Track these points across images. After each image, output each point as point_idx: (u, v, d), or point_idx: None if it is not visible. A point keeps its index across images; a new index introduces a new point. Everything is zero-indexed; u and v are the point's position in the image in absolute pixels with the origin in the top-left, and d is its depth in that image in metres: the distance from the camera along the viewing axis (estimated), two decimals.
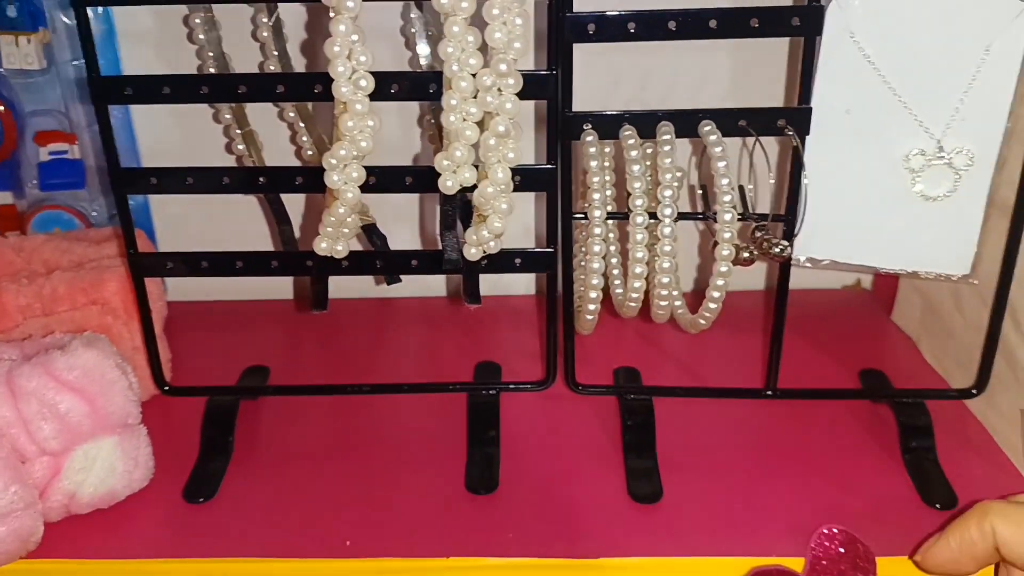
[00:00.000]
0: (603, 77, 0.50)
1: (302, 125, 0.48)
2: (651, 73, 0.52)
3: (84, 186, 0.57)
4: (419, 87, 0.38)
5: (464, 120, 0.33)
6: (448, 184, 0.35)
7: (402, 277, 0.44)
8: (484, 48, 0.33)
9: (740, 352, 0.50)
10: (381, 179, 0.39)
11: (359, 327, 0.56)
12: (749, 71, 0.52)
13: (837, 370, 0.49)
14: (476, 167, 0.35)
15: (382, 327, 0.56)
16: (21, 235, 0.56)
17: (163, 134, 0.56)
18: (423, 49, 0.46)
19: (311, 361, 0.54)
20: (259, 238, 0.59)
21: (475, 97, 0.33)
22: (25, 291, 0.49)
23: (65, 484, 0.41)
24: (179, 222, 0.58)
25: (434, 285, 0.60)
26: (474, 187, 0.36)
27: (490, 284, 0.51)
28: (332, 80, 0.34)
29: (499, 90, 0.33)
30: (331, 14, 0.33)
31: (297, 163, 0.52)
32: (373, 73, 0.34)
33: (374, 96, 0.35)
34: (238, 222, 0.58)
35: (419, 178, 0.40)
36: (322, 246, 0.38)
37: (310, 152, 0.49)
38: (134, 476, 0.43)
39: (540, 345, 0.53)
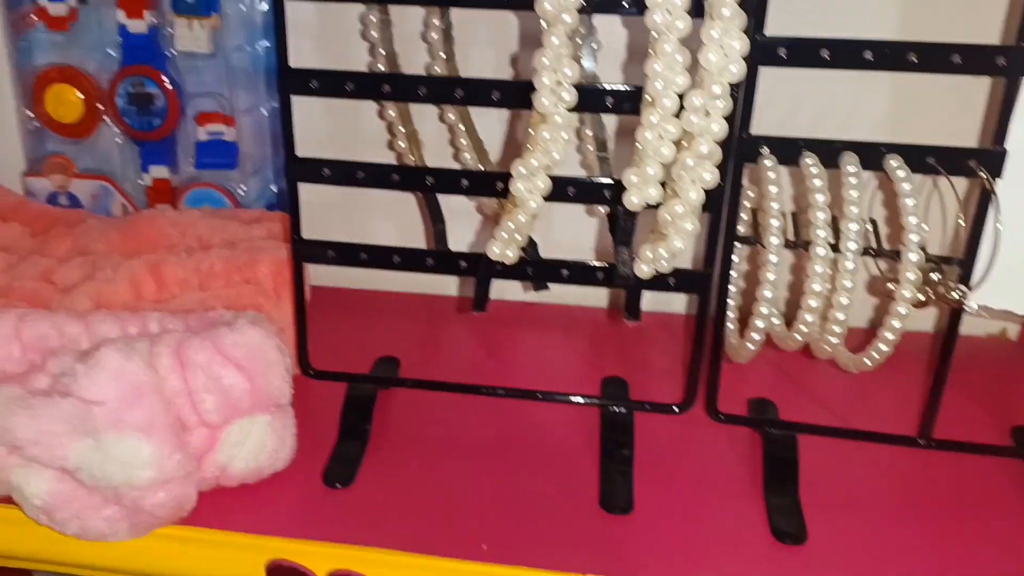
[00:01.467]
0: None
1: (462, 128, 0.49)
2: (808, 98, 0.51)
3: (236, 167, 0.58)
4: (600, 102, 0.38)
5: (661, 138, 0.33)
6: (634, 200, 0.35)
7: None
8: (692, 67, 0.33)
9: (888, 393, 0.49)
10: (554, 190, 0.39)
11: (491, 328, 0.56)
12: (909, 104, 0.51)
13: (987, 423, 0.47)
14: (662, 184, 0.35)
15: (517, 330, 0.56)
16: (177, 209, 0.58)
17: (315, 124, 0.57)
18: (588, 63, 0.46)
19: (443, 358, 0.54)
20: (394, 235, 0.60)
21: (676, 116, 0.33)
22: (185, 264, 0.50)
23: (219, 457, 0.42)
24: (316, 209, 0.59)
25: (570, 293, 0.59)
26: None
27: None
28: (517, 88, 0.34)
29: (707, 112, 0.32)
30: (544, 25, 0.33)
31: (452, 163, 0.53)
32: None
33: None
34: (379, 217, 0.59)
35: (588, 190, 0.40)
36: (495, 251, 0.38)
37: (468, 155, 0.49)
38: (280, 455, 0.43)
39: (674, 365, 0.52)
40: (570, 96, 0.34)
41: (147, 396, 0.39)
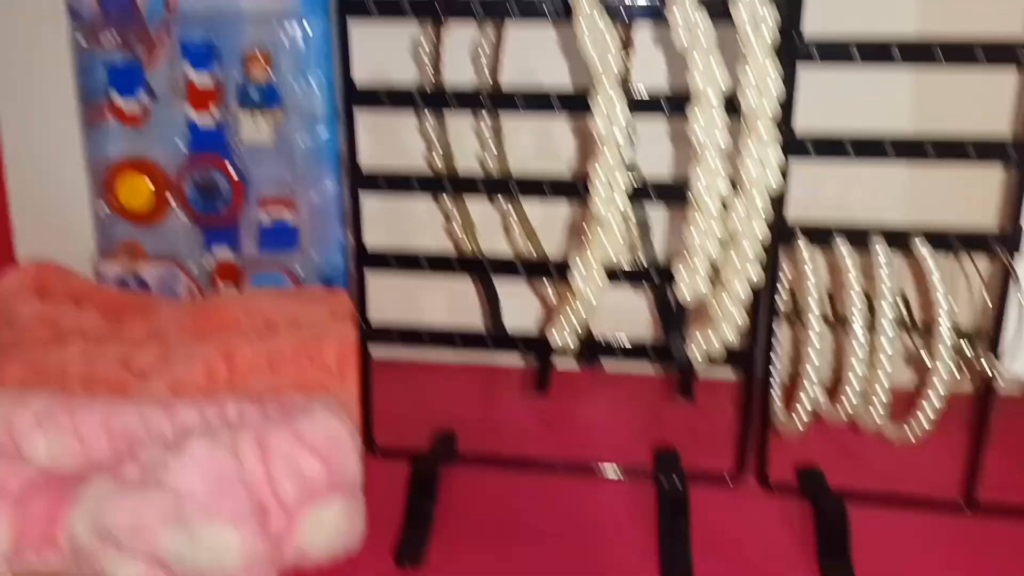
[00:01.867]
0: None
1: (514, 215, 0.52)
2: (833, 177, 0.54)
3: (297, 248, 0.62)
4: (646, 192, 0.41)
5: (707, 237, 0.36)
6: (684, 293, 0.38)
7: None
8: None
9: (931, 458, 0.50)
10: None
11: (545, 398, 0.58)
12: (929, 184, 0.54)
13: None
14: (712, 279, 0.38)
15: (569, 399, 0.58)
16: (241, 291, 0.62)
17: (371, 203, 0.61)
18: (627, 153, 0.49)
19: (497, 432, 0.56)
20: (443, 307, 0.62)
21: (720, 218, 0.36)
22: (255, 348, 0.53)
23: (298, 541, 0.43)
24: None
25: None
26: None
27: None
28: (568, 186, 0.37)
29: (749, 217, 0.35)
30: (598, 141, 0.36)
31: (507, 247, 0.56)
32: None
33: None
34: (428, 290, 0.62)
35: (638, 275, 0.43)
36: (555, 338, 0.41)
37: (519, 237, 0.52)
38: (353, 536, 0.45)
39: (722, 433, 0.54)
40: (623, 201, 0.37)
41: (233, 485, 0.41)
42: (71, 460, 0.46)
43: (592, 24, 0.35)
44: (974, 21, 0.48)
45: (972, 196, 0.53)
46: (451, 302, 0.62)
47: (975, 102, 0.50)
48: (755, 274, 0.37)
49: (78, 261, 0.64)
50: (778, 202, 0.40)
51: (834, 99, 0.46)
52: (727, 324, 0.38)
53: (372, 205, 0.60)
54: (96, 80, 0.60)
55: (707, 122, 0.35)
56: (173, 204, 0.62)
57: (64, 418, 0.46)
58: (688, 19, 0.35)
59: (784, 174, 0.37)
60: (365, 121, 0.58)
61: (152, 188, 0.62)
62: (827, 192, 0.52)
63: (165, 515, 0.40)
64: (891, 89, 0.52)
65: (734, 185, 0.36)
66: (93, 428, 0.46)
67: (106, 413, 0.46)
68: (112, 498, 0.40)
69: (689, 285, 0.37)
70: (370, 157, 0.58)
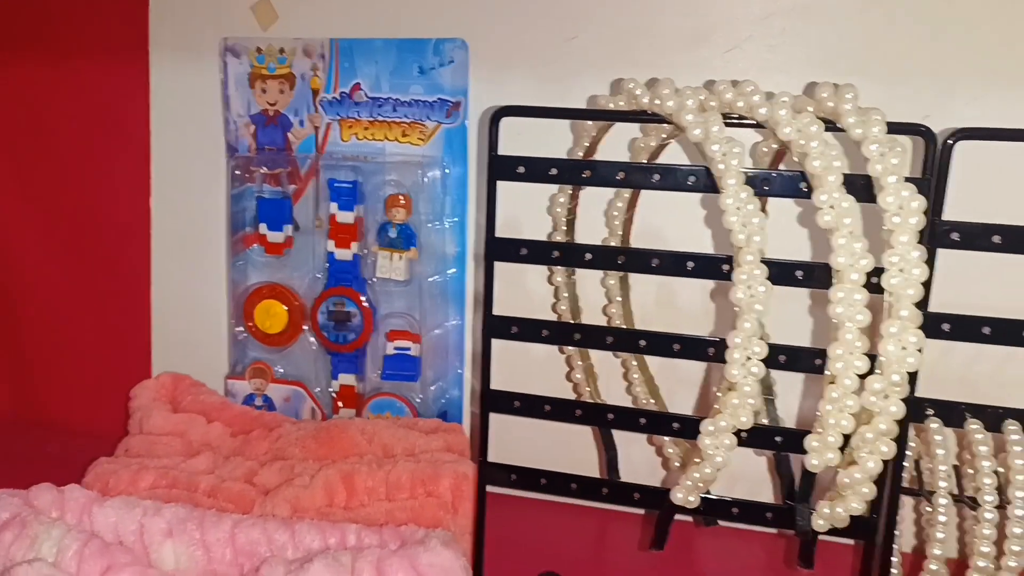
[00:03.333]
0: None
1: (634, 364, 0.54)
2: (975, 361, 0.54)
3: (418, 379, 0.65)
4: (774, 359, 0.43)
5: (840, 411, 0.37)
6: (814, 463, 0.39)
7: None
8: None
9: None
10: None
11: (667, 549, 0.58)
12: None
13: None
14: (841, 449, 0.39)
15: (680, 551, 0.58)
16: (363, 418, 0.64)
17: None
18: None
19: (607, 574, 0.56)
20: (560, 450, 0.64)
21: (856, 392, 0.37)
22: (374, 475, 0.55)
23: None
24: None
25: None
26: None
27: None
28: (698, 343, 0.39)
29: (886, 395, 0.37)
30: (737, 311, 0.38)
31: (626, 396, 0.57)
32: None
33: None
34: (546, 431, 0.64)
35: (755, 437, 0.44)
36: (678, 496, 0.42)
37: (639, 389, 0.54)
38: None
39: None
40: (758, 370, 0.38)
41: None
42: (197, 571, 0.48)
43: (739, 202, 0.38)
44: None
45: None
46: (568, 443, 0.63)
47: None
48: (888, 451, 0.38)
49: (210, 379, 0.68)
50: (912, 379, 0.41)
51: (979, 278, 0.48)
52: (855, 498, 0.38)
53: (494, 344, 0.63)
54: (246, 211, 0.66)
55: (848, 301, 0.37)
56: (305, 330, 0.66)
57: (194, 530, 0.49)
58: (833, 202, 0.37)
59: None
60: (500, 267, 0.62)
61: (287, 312, 0.66)
62: (951, 364, 0.53)
63: None
64: None
65: (872, 360, 0.38)
66: (220, 541, 0.48)
67: (233, 528, 0.49)
68: None
69: (820, 456, 0.38)
70: (498, 300, 0.62)
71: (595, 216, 0.56)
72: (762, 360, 0.40)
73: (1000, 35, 0.51)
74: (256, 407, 0.68)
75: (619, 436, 0.54)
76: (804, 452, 0.39)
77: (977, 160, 0.47)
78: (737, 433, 0.42)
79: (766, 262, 0.40)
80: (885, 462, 0.39)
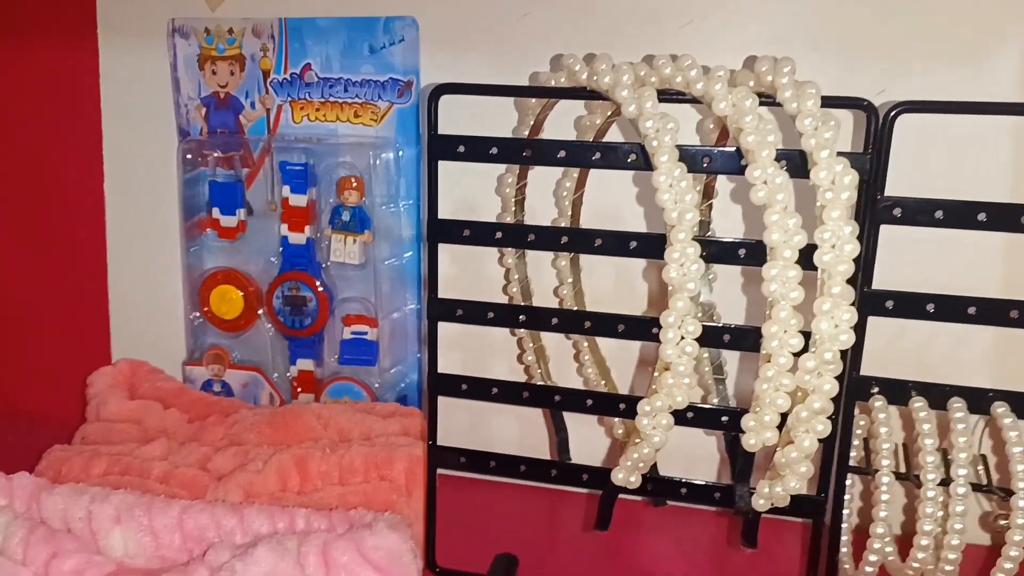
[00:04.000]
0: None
1: (585, 345, 0.53)
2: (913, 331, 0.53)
3: (376, 363, 0.64)
4: (718, 338, 0.42)
5: (776, 390, 0.37)
6: (751, 443, 0.38)
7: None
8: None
9: None
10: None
11: (615, 528, 0.58)
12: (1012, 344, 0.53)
13: None
14: (778, 427, 0.38)
15: (632, 530, 0.58)
16: (318, 402, 0.64)
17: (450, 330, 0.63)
18: (705, 295, 0.50)
19: (559, 558, 0.56)
20: (512, 432, 0.63)
21: (790, 371, 0.37)
22: (327, 459, 0.55)
23: None
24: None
25: None
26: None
27: None
28: (640, 323, 0.38)
29: (819, 373, 0.36)
30: (670, 290, 0.38)
31: (577, 377, 0.57)
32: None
33: None
34: (498, 413, 0.63)
35: (703, 417, 0.44)
36: (619, 477, 0.42)
37: (590, 371, 0.53)
38: None
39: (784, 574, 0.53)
40: (692, 349, 0.38)
41: None
42: (145, 557, 0.48)
43: (672, 179, 0.37)
44: None
45: None
46: (522, 427, 0.63)
47: None
48: (823, 429, 0.37)
49: (168, 365, 0.67)
50: (855, 356, 0.41)
51: (925, 256, 0.47)
52: (793, 476, 0.38)
53: (451, 328, 0.62)
54: (200, 196, 0.64)
55: (781, 278, 0.36)
56: (261, 315, 0.65)
57: (142, 516, 0.48)
58: (766, 177, 0.36)
59: (860, 331, 0.38)
60: (450, 248, 0.61)
61: (243, 298, 0.65)
62: (904, 345, 0.52)
63: None
64: (983, 251, 0.52)
65: (806, 339, 0.37)
66: (168, 527, 0.48)
67: (181, 513, 0.48)
68: None
69: (758, 435, 0.38)
70: (452, 283, 0.61)
71: (549, 197, 0.55)
72: (701, 339, 0.39)
73: (956, 9, 0.50)
74: (214, 393, 0.67)
75: (572, 417, 0.54)
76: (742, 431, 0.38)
77: (922, 134, 0.47)
78: (681, 413, 0.42)
79: (701, 240, 0.39)
80: (823, 440, 0.38)
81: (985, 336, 0.53)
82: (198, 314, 0.66)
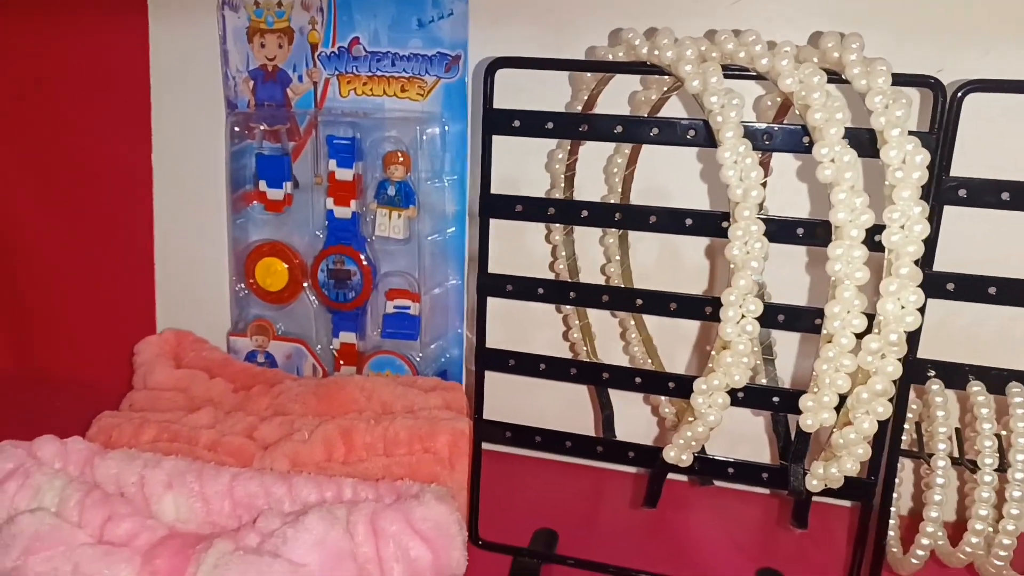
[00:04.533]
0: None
1: (632, 324, 0.53)
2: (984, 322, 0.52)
3: (417, 338, 0.64)
4: (772, 318, 0.42)
5: (836, 371, 0.36)
6: (808, 423, 0.37)
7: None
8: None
9: None
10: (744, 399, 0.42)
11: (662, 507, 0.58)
12: None
13: None
14: (836, 408, 0.38)
15: (676, 510, 0.57)
16: (363, 375, 0.64)
17: (497, 311, 0.62)
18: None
19: (600, 534, 0.56)
20: (559, 409, 0.63)
21: (852, 352, 0.36)
22: (372, 431, 0.55)
23: None
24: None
25: None
26: None
27: None
28: (696, 301, 0.38)
29: (883, 355, 0.35)
30: (732, 267, 0.37)
31: (623, 356, 0.56)
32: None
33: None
34: (544, 390, 0.63)
35: (752, 396, 0.43)
36: (671, 455, 0.41)
37: (636, 349, 0.53)
38: None
39: (829, 560, 0.53)
40: (753, 328, 0.37)
41: (345, 562, 0.43)
42: (196, 522, 0.48)
43: (737, 156, 0.36)
44: None
45: None
46: (567, 402, 0.63)
47: None
48: (883, 411, 0.36)
49: (213, 335, 0.68)
50: (914, 339, 0.40)
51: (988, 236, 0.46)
52: (850, 458, 0.37)
53: (494, 302, 0.62)
54: (246, 168, 0.64)
55: (846, 258, 0.35)
56: (305, 288, 0.65)
57: (193, 482, 0.48)
58: (834, 155, 0.35)
59: (920, 312, 0.37)
60: (498, 225, 0.61)
61: (287, 270, 0.65)
62: (959, 324, 0.51)
63: None
64: None
65: (871, 320, 0.36)
66: (219, 494, 0.48)
67: (232, 481, 0.48)
68: (232, 562, 0.42)
69: (815, 416, 0.37)
70: (497, 258, 0.60)
71: (596, 173, 0.55)
72: (758, 318, 0.39)
73: None
74: (258, 364, 0.67)
75: (617, 396, 0.54)
76: (799, 412, 0.38)
77: (989, 114, 0.46)
78: (732, 392, 0.41)
79: (764, 219, 0.38)
80: (882, 423, 0.38)
81: None
82: (243, 286, 0.66)
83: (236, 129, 0.64)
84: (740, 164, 0.36)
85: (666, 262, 0.57)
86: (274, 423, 0.57)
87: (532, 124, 0.44)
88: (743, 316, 0.37)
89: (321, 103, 0.63)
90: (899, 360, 0.36)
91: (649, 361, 0.53)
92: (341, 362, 0.66)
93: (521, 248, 0.59)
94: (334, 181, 0.62)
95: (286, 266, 0.65)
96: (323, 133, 0.62)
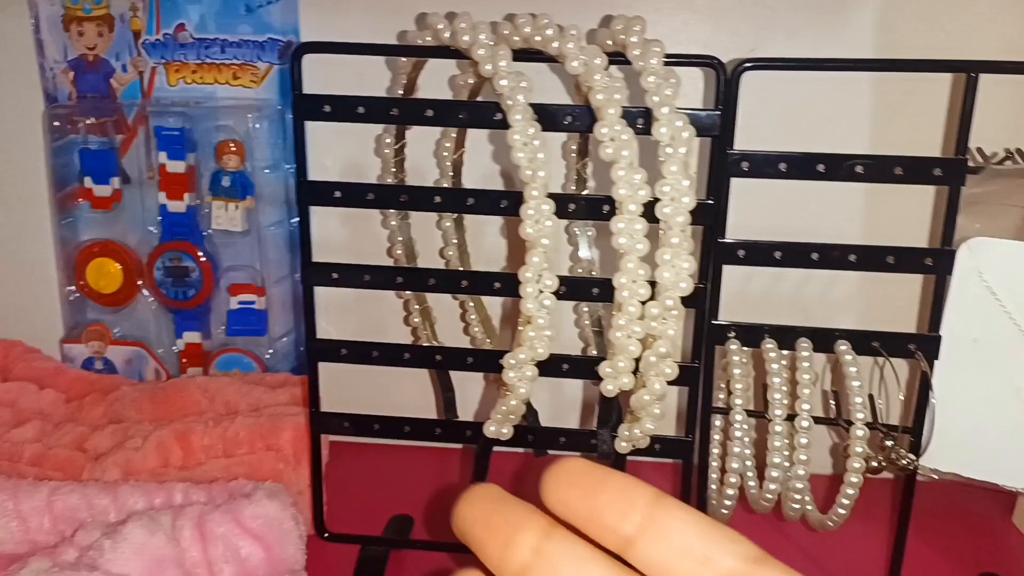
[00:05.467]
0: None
1: (472, 305, 0.59)
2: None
3: (265, 333, 0.69)
4: (586, 291, 0.49)
5: (629, 337, 0.43)
6: (609, 388, 0.45)
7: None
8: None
9: (860, 542, 0.57)
10: (545, 367, 0.49)
11: (503, 482, 0.63)
12: (881, 292, 0.61)
13: (956, 573, 0.55)
14: (634, 373, 0.45)
15: (525, 483, 0.64)
16: (206, 375, 0.69)
17: (337, 298, 0.68)
18: (584, 252, 0.57)
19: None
20: (411, 394, 0.69)
21: (640, 318, 0.43)
22: (210, 432, 0.59)
23: None
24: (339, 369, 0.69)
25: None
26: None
27: None
28: (516, 282, 0.45)
29: (664, 319, 0.43)
30: (527, 245, 0.44)
31: (464, 336, 0.63)
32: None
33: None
34: (396, 377, 0.69)
35: (577, 368, 0.50)
36: (491, 429, 0.48)
37: (476, 330, 0.59)
38: None
39: None
40: (551, 302, 0.44)
41: (168, 569, 0.46)
42: (13, 542, 0.50)
43: (526, 138, 0.43)
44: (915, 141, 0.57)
45: (898, 301, 0.61)
46: (421, 391, 0.69)
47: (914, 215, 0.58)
48: (671, 372, 0.44)
49: (45, 342, 0.71)
50: (713, 303, 0.48)
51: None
52: (649, 418, 0.45)
53: (346, 294, 0.68)
54: (70, 165, 0.68)
55: (628, 231, 0.42)
56: (142, 288, 0.69)
57: (6, 500, 0.51)
58: (613, 134, 0.42)
59: (716, 279, 0.45)
60: (344, 212, 0.67)
61: (121, 271, 0.69)
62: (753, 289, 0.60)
63: None
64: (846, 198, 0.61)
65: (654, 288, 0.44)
66: (36, 510, 0.51)
67: (50, 495, 0.51)
68: None
69: (614, 381, 0.44)
70: (346, 246, 0.66)
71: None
72: (571, 294, 0.46)
73: None
74: (96, 371, 0.71)
75: (461, 377, 0.60)
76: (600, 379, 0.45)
77: (772, 91, 0.54)
78: (552, 365, 0.48)
79: (561, 196, 0.45)
80: (678, 383, 0.45)
81: (850, 280, 0.61)
82: (74, 288, 0.70)
83: (56, 124, 0.68)
84: (529, 146, 0.43)
85: (516, 245, 0.64)
86: (107, 432, 0.61)
87: (343, 109, 0.49)
88: (541, 291, 0.44)
89: (149, 93, 0.68)
90: (705, 326, 0.44)
91: (488, 341, 0.59)
92: (187, 363, 0.70)
93: (371, 235, 0.65)
94: (165, 174, 0.66)
95: (120, 266, 0.69)
96: (153, 125, 0.67)
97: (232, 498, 0.52)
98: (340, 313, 0.68)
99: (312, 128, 0.65)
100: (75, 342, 0.71)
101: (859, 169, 0.45)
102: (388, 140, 0.57)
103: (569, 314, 0.64)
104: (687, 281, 0.43)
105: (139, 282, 0.70)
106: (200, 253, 0.68)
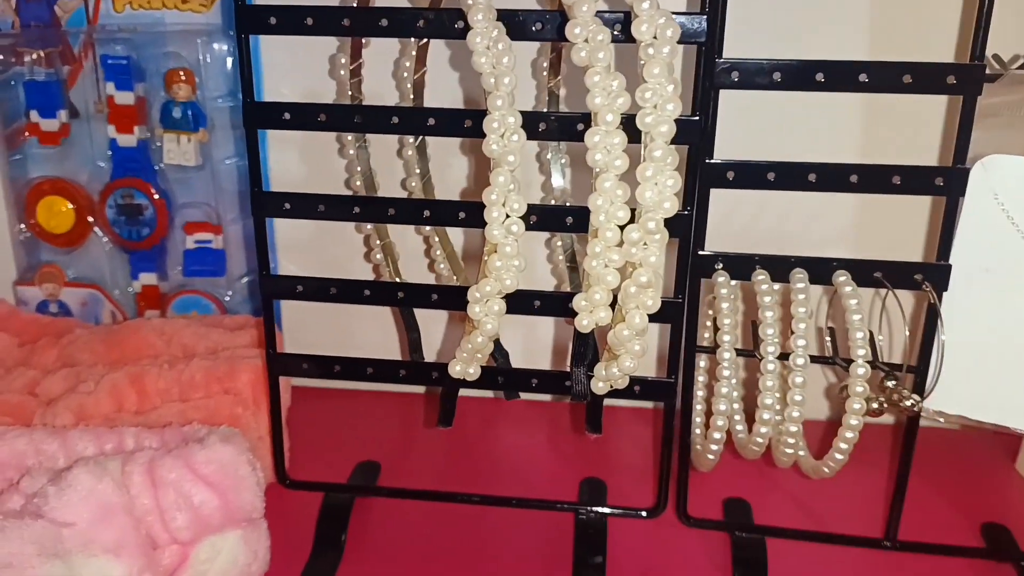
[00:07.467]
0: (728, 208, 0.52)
1: (437, 240, 0.52)
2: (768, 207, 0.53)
3: (223, 274, 0.61)
4: (559, 221, 0.41)
5: (606, 267, 0.36)
6: (584, 323, 0.37)
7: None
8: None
9: (857, 490, 0.50)
10: (514, 303, 0.41)
11: (472, 427, 0.57)
12: (883, 219, 0.53)
13: (957, 521, 0.49)
14: (612, 307, 0.37)
15: (495, 428, 0.58)
16: (163, 317, 0.61)
17: (296, 234, 0.60)
18: (557, 181, 0.49)
19: (421, 461, 0.56)
20: (377, 338, 0.62)
21: (619, 245, 0.36)
22: (165, 376, 0.52)
23: (191, 572, 0.43)
24: (301, 312, 0.62)
25: None
26: None
27: None
28: (480, 210, 0.37)
29: (645, 244, 0.35)
30: (492, 163, 0.36)
31: (429, 274, 0.55)
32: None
33: None
34: (361, 320, 0.61)
35: (549, 304, 0.43)
36: (456, 369, 0.40)
37: (442, 266, 0.52)
38: (252, 569, 0.45)
39: (645, 462, 0.54)
40: (519, 228, 0.36)
41: (117, 516, 0.41)
42: None
43: (488, 41, 0.35)
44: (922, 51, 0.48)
45: (900, 229, 0.53)
46: (387, 335, 0.61)
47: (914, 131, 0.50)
48: (652, 304, 0.36)
49: None
50: (699, 232, 0.40)
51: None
52: (628, 356, 0.37)
53: (305, 233, 0.60)
54: (15, 98, 0.60)
55: (605, 145, 0.34)
56: (95, 227, 0.61)
57: None
58: (587, 35, 0.34)
59: (703, 204, 0.37)
60: (301, 144, 0.59)
61: (73, 209, 0.61)
62: (762, 224, 0.52)
63: (43, 547, 0.39)
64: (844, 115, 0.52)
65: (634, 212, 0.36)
66: None
67: None
68: None
69: (590, 316, 0.37)
70: (305, 179, 0.58)
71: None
72: (543, 224, 0.38)
73: None
74: (51, 314, 0.63)
75: (428, 319, 0.53)
76: (575, 314, 0.37)
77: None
78: (521, 301, 0.40)
79: (531, 113, 0.37)
80: (662, 319, 0.38)
81: (842, 207, 0.53)
82: (24, 227, 0.62)
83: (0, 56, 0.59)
84: (493, 50, 0.35)
85: (483, 172, 0.56)
86: (59, 376, 0.54)
87: (290, 21, 0.41)
88: (507, 216, 0.36)
89: (95, 20, 0.59)
90: (667, 248, 0.36)
91: (455, 278, 0.52)
92: (143, 306, 0.62)
93: (329, 170, 0.57)
94: (114, 106, 0.58)
95: (71, 205, 0.61)
96: (99, 54, 0.58)
97: (186, 443, 0.45)
98: (300, 252, 0.60)
99: (269, 54, 0.57)
100: (28, 285, 0.63)
101: (863, 78, 0.37)
102: (343, 60, 0.49)
103: (541, 249, 0.56)
104: (672, 200, 0.35)
105: (91, 221, 0.61)
106: (153, 190, 0.60)
